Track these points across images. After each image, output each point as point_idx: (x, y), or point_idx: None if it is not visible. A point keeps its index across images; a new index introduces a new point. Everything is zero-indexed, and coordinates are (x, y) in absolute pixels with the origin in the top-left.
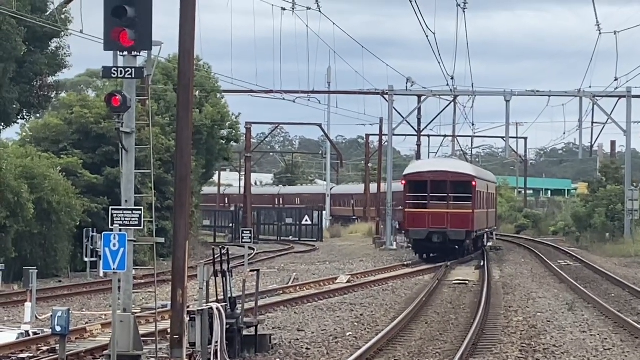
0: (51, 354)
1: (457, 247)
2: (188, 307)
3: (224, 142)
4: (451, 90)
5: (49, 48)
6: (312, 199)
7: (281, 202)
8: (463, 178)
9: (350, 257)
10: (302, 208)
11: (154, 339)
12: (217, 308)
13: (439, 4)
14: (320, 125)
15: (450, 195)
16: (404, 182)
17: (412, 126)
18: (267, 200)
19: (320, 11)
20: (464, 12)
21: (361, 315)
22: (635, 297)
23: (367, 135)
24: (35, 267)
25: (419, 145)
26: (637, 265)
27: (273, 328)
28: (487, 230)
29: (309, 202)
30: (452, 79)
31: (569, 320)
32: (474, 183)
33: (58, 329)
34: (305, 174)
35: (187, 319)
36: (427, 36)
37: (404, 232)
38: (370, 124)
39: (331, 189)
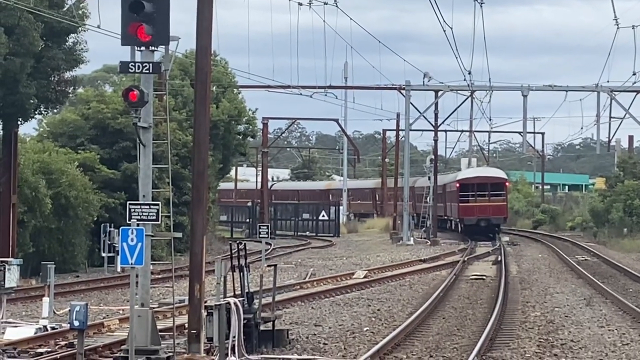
0: (69, 349)
1: (496, 229)
2: (205, 302)
3: (240, 137)
4: (468, 85)
5: (66, 43)
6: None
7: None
8: (499, 180)
9: (367, 253)
10: (319, 204)
11: (171, 333)
12: (235, 303)
13: None
14: (337, 121)
15: (490, 192)
16: (457, 185)
17: (429, 121)
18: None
19: (337, 6)
20: (481, 6)
21: (378, 310)
22: None
23: (384, 131)
24: (52, 262)
25: (435, 141)
26: None
27: (290, 323)
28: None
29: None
30: (470, 73)
31: (587, 316)
32: (507, 184)
33: (76, 323)
34: (322, 169)
35: (204, 314)
36: (444, 31)
37: (458, 220)
38: (387, 119)
39: (272, 186)
